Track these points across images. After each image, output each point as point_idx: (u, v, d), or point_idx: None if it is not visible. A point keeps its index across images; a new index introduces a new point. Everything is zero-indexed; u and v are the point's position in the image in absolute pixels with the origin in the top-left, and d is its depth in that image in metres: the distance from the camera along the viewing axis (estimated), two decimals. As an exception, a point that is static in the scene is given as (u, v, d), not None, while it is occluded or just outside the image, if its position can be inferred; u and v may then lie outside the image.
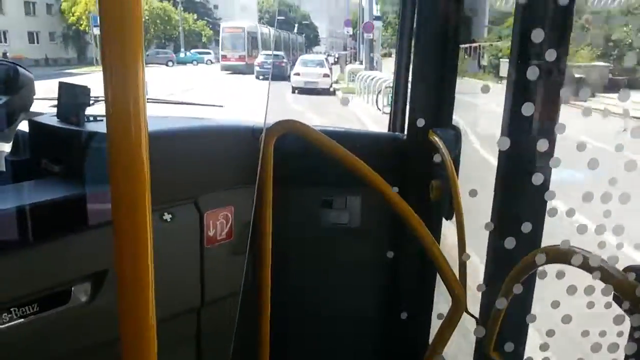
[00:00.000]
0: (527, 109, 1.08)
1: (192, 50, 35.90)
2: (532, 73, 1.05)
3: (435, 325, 1.62)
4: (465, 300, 1.48)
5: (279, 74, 20.43)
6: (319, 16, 52.96)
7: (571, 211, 0.96)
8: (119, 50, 0.65)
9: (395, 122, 2.11)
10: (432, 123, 1.80)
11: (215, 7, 46.71)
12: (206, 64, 33.56)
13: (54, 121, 1.65)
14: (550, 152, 1.13)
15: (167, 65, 27.81)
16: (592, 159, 0.89)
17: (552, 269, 1.02)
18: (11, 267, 1.29)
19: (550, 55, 1.08)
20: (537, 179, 1.03)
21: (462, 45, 1.87)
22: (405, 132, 2.01)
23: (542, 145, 1.02)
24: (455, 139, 1.73)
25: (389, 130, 2.15)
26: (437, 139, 1.71)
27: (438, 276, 1.60)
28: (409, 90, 1.94)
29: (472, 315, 1.48)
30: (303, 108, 13.48)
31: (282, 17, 47.33)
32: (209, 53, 35.77)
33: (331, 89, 19.31)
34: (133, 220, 0.68)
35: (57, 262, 1.38)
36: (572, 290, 0.95)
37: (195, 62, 32.72)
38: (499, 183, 1.40)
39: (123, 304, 0.70)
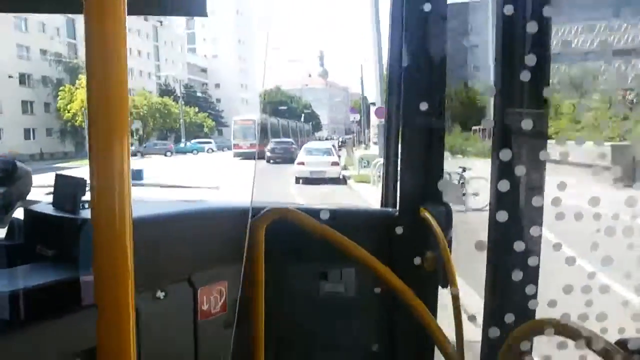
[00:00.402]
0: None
1: (193, 141, 36.66)
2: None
3: None
4: None
5: (289, 158, 21.91)
6: (320, 105, 56.11)
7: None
8: (104, 141, 0.69)
9: (387, 197, 2.16)
10: (423, 198, 1.85)
11: (218, 100, 47.97)
12: (207, 152, 34.46)
13: (49, 209, 1.71)
14: (539, 222, 1.16)
15: (165, 155, 28.66)
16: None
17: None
18: (6, 348, 1.29)
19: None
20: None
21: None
22: (397, 208, 2.05)
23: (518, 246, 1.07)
24: (446, 215, 1.78)
25: (381, 206, 2.20)
26: (428, 215, 1.76)
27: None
28: (398, 168, 2.01)
29: None
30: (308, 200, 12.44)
31: (285, 107, 49.87)
32: (209, 142, 36.86)
33: (341, 177, 18.36)
34: (116, 301, 0.70)
35: (50, 342, 1.38)
36: None
37: (195, 152, 33.27)
38: (488, 276, 1.45)
39: None
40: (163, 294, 1.65)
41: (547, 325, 1.00)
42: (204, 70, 48.99)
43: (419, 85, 1.88)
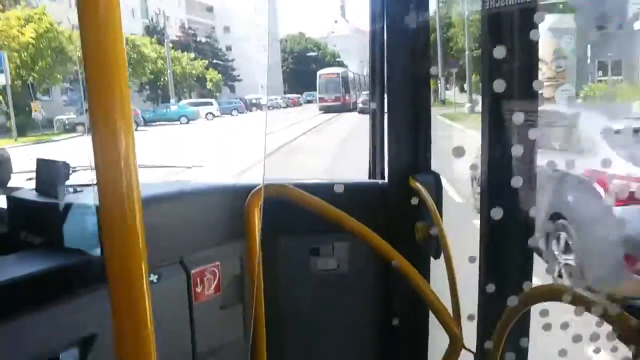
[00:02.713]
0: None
1: (183, 101, 27.34)
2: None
3: None
4: (462, 338, 1.48)
5: None
6: (347, 56, 53.79)
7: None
8: (105, 116, 0.65)
9: (375, 168, 2.17)
10: (411, 168, 1.84)
11: (228, 48, 42.63)
12: (206, 118, 26.04)
13: (33, 195, 1.69)
14: (531, 197, 1.13)
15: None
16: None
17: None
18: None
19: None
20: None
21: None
22: (386, 179, 2.05)
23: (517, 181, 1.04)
24: (435, 184, 1.77)
25: (369, 177, 2.22)
26: (418, 184, 1.75)
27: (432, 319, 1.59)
28: (385, 137, 1.99)
29: (470, 350, 1.49)
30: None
31: (313, 54, 49.29)
32: (209, 104, 27.75)
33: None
34: (131, 288, 0.70)
35: (44, 332, 1.39)
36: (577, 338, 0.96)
37: (184, 118, 24.13)
38: (484, 228, 1.43)
39: None
40: (156, 277, 1.65)
41: (559, 292, 1.00)
42: (209, 10, 43.45)
43: (404, 51, 1.83)
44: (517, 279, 1.21)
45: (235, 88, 40.74)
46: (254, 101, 32.66)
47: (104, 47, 0.64)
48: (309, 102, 39.63)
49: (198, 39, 39.24)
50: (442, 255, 1.58)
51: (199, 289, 1.78)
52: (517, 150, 1.26)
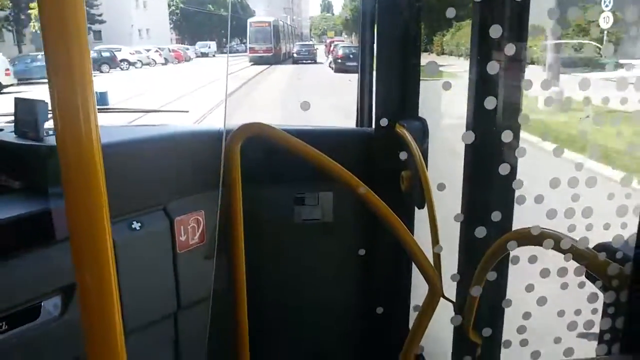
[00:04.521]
0: (490, 103, 1.10)
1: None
2: (492, 68, 1.07)
3: (413, 316, 1.64)
4: (441, 285, 1.51)
5: (312, 58, 28.50)
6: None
7: (539, 197, 0.96)
8: (62, 55, 0.61)
9: (362, 117, 2.13)
10: (398, 116, 1.81)
11: None
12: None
13: (11, 137, 1.61)
14: (515, 143, 1.14)
15: None
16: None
17: (524, 253, 1.04)
18: None
19: (509, 49, 1.09)
20: (504, 169, 1.04)
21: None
22: (373, 127, 2.02)
23: (506, 136, 1.04)
24: (422, 131, 1.75)
25: (356, 125, 2.17)
26: (404, 131, 1.73)
27: (414, 268, 1.61)
28: (374, 85, 1.96)
29: (449, 300, 1.50)
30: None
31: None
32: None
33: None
34: (92, 233, 0.65)
35: (24, 279, 1.36)
36: (545, 273, 0.97)
37: None
38: (467, 175, 1.42)
39: (88, 318, 0.67)
40: (139, 225, 1.62)
41: (530, 235, 1.02)
42: None
43: (395, 2, 1.80)
44: (499, 227, 1.21)
45: (102, 34, 30.83)
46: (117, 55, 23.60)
47: None
48: (204, 55, 33.76)
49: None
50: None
51: (182, 238, 1.75)
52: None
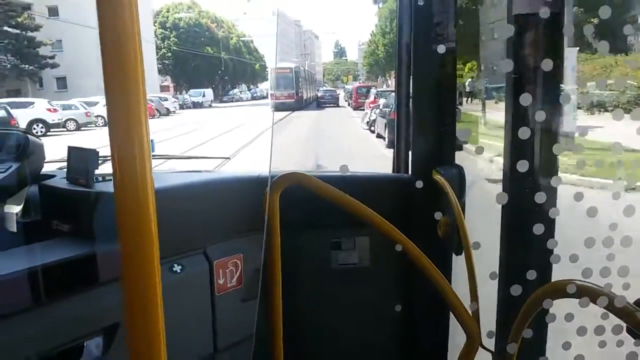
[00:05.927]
0: (522, 166, 1.15)
1: None
2: (524, 133, 1.13)
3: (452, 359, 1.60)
4: (480, 336, 1.47)
5: (334, 102, 32.47)
6: (264, 42, 45.14)
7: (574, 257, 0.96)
8: (122, 106, 0.66)
9: (399, 162, 2.14)
10: (435, 162, 1.83)
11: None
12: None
13: (64, 183, 1.70)
14: (550, 203, 1.15)
15: None
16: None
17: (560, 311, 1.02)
18: (28, 326, 1.31)
19: (540, 116, 1.14)
20: (539, 229, 1.06)
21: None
22: (410, 172, 2.04)
23: (540, 197, 1.04)
24: (459, 177, 1.76)
25: (393, 171, 2.19)
26: (441, 177, 1.74)
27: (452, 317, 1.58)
28: (411, 131, 1.98)
29: (488, 349, 1.48)
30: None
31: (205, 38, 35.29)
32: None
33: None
34: (142, 276, 0.69)
35: (70, 319, 1.40)
36: (582, 331, 0.97)
37: None
38: (504, 233, 1.44)
39: (135, 359, 0.70)
40: (180, 267, 1.66)
41: (569, 286, 1.00)
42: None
43: (430, 48, 1.82)
44: (537, 279, 1.20)
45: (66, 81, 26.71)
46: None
47: (121, 42, 0.65)
48: (197, 105, 29.59)
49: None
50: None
51: (221, 281, 1.78)
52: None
